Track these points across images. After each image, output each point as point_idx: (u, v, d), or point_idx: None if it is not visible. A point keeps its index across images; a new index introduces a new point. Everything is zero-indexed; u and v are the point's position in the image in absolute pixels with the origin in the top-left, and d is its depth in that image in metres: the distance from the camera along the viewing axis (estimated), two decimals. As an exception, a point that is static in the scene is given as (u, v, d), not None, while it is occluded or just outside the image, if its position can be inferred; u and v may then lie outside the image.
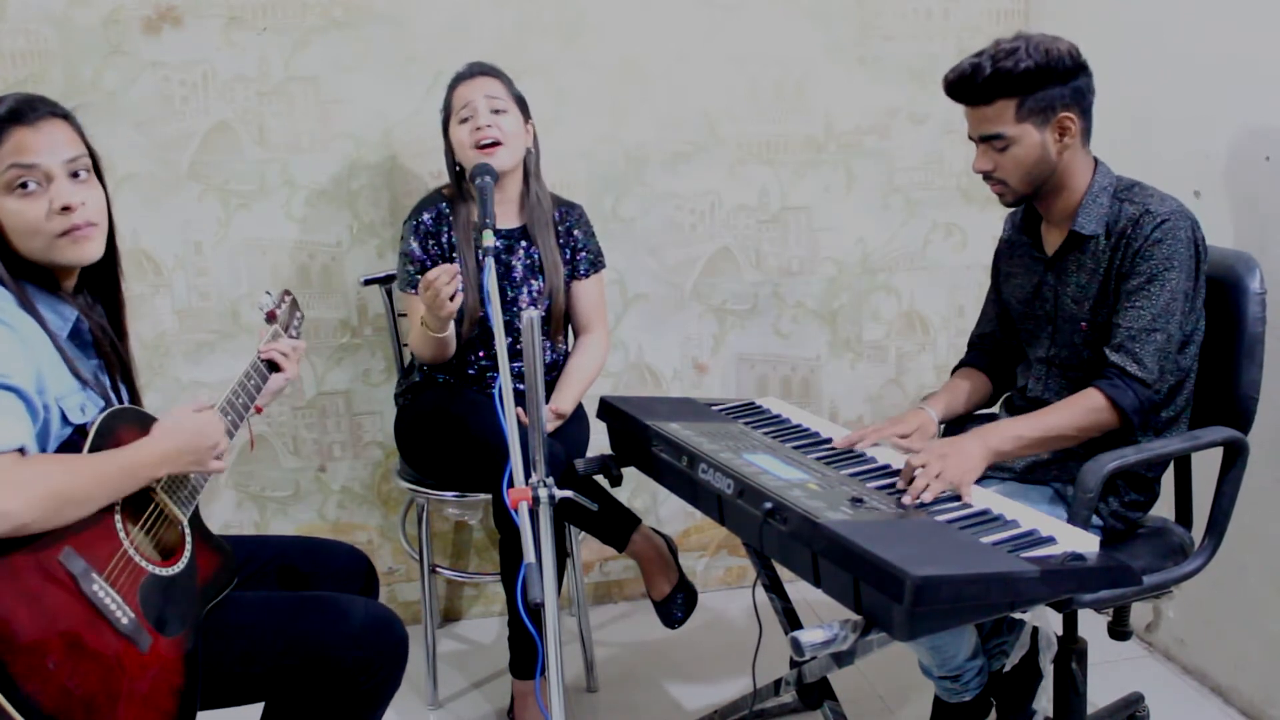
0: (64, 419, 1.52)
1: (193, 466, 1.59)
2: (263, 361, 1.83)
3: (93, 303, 1.66)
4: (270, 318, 1.90)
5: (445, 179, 2.50)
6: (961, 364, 2.22)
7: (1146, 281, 1.83)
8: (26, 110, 1.52)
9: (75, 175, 1.55)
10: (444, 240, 2.41)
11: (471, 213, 2.42)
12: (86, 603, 1.42)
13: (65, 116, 1.57)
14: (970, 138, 1.93)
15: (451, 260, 2.40)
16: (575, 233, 2.50)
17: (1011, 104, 1.84)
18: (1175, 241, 1.82)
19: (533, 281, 2.44)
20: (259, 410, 1.83)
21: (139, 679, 1.45)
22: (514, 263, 2.43)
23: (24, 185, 1.50)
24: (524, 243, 2.45)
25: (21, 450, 1.42)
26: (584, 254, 2.50)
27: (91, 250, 1.58)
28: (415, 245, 2.41)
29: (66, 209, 1.52)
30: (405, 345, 2.64)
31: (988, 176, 1.93)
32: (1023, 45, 1.81)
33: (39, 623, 1.37)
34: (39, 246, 1.53)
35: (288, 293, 2.00)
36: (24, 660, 1.34)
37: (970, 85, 1.85)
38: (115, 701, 1.42)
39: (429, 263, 2.39)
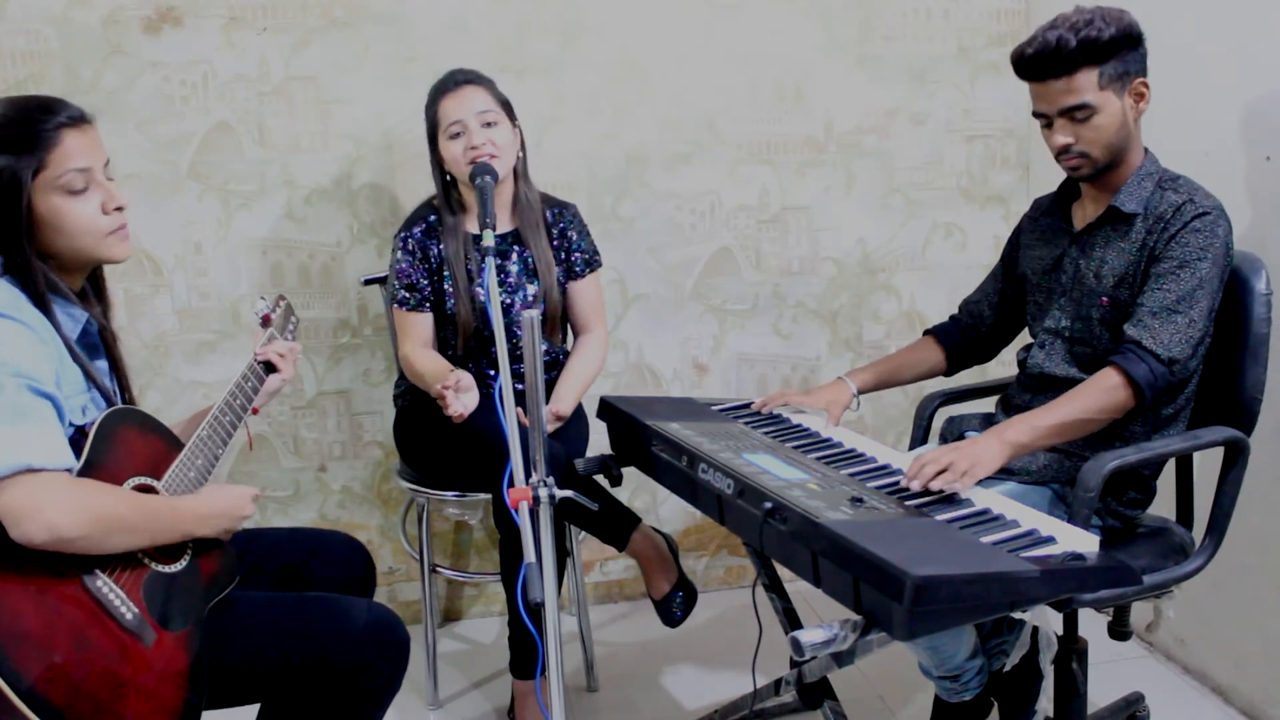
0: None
1: (220, 532, 1.63)
2: (259, 363, 1.87)
3: (95, 305, 1.68)
4: (266, 322, 1.93)
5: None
6: (930, 330, 2.26)
7: (1177, 266, 1.82)
8: (78, 115, 1.57)
9: (109, 178, 1.61)
10: (433, 255, 2.40)
11: (462, 223, 2.41)
12: (91, 598, 1.44)
13: (92, 121, 1.60)
14: (1037, 114, 1.90)
15: (441, 275, 2.39)
16: (570, 233, 2.49)
17: (1094, 72, 1.83)
18: (1213, 236, 1.82)
19: (528, 286, 2.44)
20: (255, 412, 1.85)
21: (144, 673, 1.46)
22: (509, 267, 2.43)
23: (80, 189, 1.54)
24: (517, 246, 2.44)
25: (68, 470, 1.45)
26: (579, 254, 2.49)
27: (128, 247, 1.64)
28: (403, 261, 2.40)
29: (119, 208, 1.59)
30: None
31: (1066, 151, 1.89)
32: (1096, 15, 1.82)
33: (45, 618, 1.39)
34: (87, 244, 1.57)
35: (282, 297, 2.02)
36: (32, 655, 1.36)
37: (1054, 58, 1.83)
38: (122, 696, 1.43)
39: (415, 278, 2.39)
